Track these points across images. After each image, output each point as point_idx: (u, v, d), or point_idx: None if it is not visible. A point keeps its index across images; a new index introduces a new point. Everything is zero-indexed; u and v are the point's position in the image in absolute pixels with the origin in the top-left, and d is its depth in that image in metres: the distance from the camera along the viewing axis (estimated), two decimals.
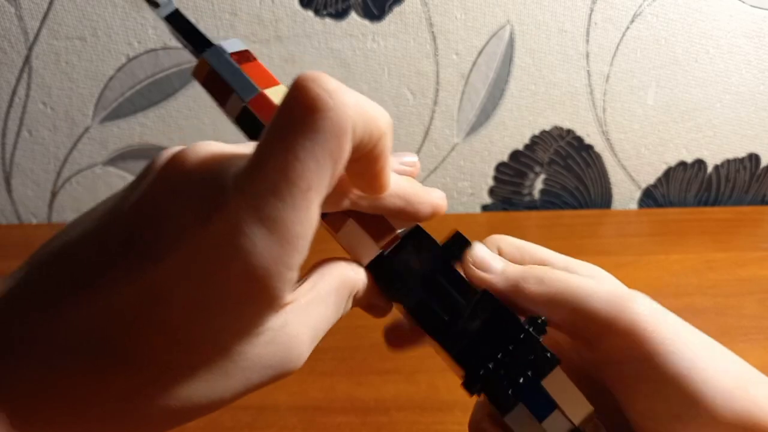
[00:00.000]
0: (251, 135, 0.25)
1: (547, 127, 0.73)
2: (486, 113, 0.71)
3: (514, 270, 0.26)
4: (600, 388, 0.26)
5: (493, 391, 0.25)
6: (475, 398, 0.27)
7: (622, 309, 0.24)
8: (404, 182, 0.25)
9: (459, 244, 0.28)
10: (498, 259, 0.27)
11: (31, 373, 0.17)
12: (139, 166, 0.72)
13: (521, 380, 0.25)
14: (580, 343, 0.26)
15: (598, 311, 0.24)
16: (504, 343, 0.25)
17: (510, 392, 0.25)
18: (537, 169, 0.76)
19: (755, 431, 0.24)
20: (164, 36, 0.65)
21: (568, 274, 0.26)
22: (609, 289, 0.25)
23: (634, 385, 0.25)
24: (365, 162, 0.20)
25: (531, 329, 0.26)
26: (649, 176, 0.77)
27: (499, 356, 0.25)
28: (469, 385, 0.26)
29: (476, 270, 0.26)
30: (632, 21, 0.67)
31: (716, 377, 0.24)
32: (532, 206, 0.79)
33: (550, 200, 0.78)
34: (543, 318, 0.26)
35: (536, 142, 0.73)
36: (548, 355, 0.25)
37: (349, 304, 0.25)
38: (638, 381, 0.25)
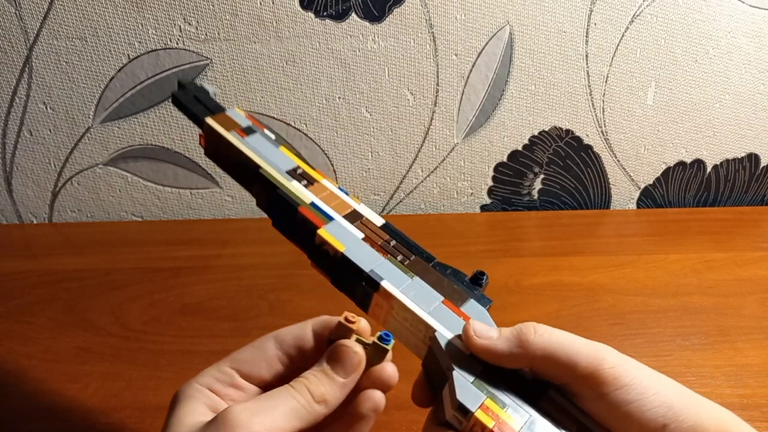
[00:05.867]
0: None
1: (546, 128, 0.73)
2: (485, 114, 0.71)
3: (509, 330, 0.30)
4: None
5: None
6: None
7: (602, 359, 0.28)
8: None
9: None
10: (494, 327, 0.31)
11: None
12: (140, 166, 0.72)
13: None
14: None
15: (580, 360, 0.28)
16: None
17: None
18: (536, 169, 0.76)
19: None
20: (165, 36, 0.65)
21: (551, 328, 0.29)
22: (587, 342, 0.29)
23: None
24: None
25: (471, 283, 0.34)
26: (648, 176, 0.77)
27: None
28: None
29: (479, 339, 0.30)
30: (631, 21, 0.67)
31: (700, 423, 0.27)
32: (532, 206, 0.79)
33: (549, 200, 0.78)
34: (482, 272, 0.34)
35: (535, 142, 0.74)
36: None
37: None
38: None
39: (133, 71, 0.67)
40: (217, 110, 0.40)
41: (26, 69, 0.66)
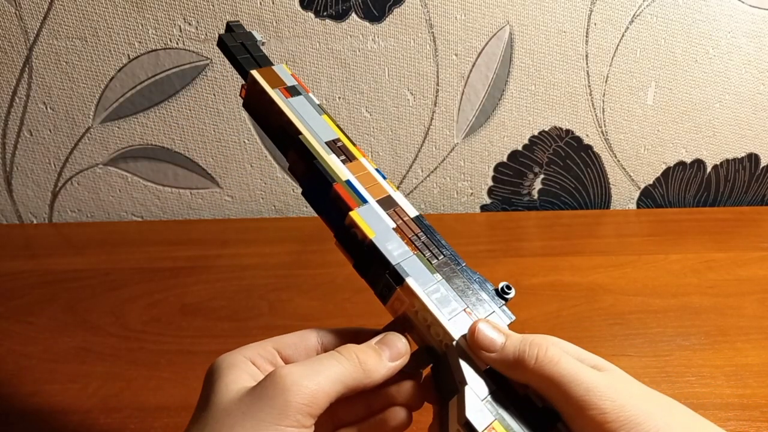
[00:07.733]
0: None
1: (546, 128, 0.73)
2: (485, 114, 0.72)
3: (511, 348, 0.30)
4: None
5: None
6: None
7: (594, 403, 0.27)
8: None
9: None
10: (499, 339, 0.30)
11: None
12: (140, 166, 0.72)
13: None
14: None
15: (570, 395, 0.28)
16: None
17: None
18: (536, 169, 0.76)
19: None
20: (165, 36, 0.65)
21: (559, 355, 0.29)
22: (584, 377, 0.28)
23: None
24: None
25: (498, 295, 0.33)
26: (648, 176, 0.77)
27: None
28: None
29: (482, 352, 0.30)
30: (631, 22, 0.67)
31: None
32: (532, 206, 0.79)
33: (549, 200, 0.78)
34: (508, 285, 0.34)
35: (535, 142, 0.74)
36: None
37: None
38: None
39: (133, 71, 0.67)
40: (263, 63, 0.37)
41: (26, 69, 0.66)
